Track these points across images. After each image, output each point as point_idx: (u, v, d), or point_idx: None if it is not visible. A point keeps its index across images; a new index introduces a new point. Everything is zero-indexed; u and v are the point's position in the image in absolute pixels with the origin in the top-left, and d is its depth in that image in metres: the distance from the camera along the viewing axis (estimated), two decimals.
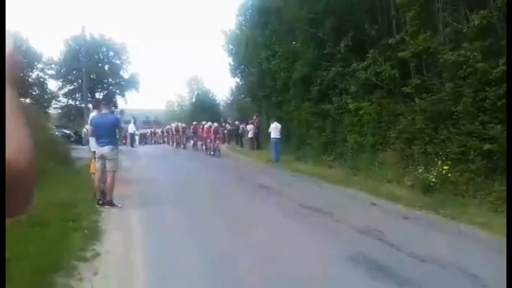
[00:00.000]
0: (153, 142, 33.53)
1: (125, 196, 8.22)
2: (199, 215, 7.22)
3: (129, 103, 44.43)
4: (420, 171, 9.66)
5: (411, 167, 10.42)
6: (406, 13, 11.97)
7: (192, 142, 24.25)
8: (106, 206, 7.43)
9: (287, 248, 5.36)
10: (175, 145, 26.39)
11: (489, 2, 9.28)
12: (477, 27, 9.46)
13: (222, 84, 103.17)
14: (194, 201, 8.56)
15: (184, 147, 25.22)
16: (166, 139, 31.09)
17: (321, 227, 6.54)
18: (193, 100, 51.85)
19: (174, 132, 25.79)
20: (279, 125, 16.54)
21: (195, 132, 23.86)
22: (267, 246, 5.47)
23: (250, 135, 22.16)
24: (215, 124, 20.93)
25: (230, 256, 5.04)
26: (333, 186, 10.16)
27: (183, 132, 26.18)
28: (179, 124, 27.46)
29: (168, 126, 30.96)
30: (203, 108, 44.01)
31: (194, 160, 17.80)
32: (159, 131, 34.70)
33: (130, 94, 45.32)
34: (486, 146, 8.66)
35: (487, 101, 9.10)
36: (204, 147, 21.19)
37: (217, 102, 49.44)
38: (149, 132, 35.63)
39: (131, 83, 44.89)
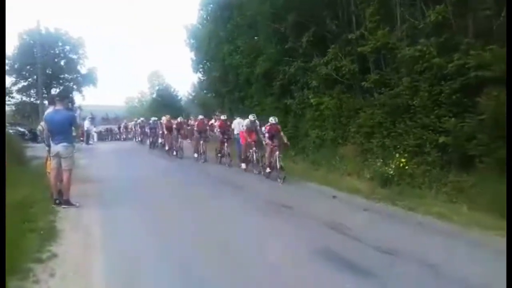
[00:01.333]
0: (114, 139, 32.42)
1: (83, 195, 7.88)
2: (158, 213, 7.02)
3: (87, 99, 42.87)
4: (379, 164, 9.85)
5: (370, 160, 10.60)
6: (366, 9, 12.16)
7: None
8: (64, 206, 7.10)
9: (252, 242, 5.30)
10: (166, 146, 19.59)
11: None
12: (433, 22, 9.72)
13: (184, 80, 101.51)
14: (153, 198, 8.33)
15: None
16: (130, 136, 29.85)
17: (284, 220, 6.51)
18: (154, 95, 50.84)
19: (166, 132, 19.00)
20: (242, 121, 16.34)
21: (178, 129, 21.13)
22: (234, 240, 5.42)
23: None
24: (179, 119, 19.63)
25: (192, 252, 4.93)
26: (295, 180, 10.17)
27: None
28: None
29: (136, 121, 28.92)
30: (165, 103, 43.18)
31: (159, 158, 17.29)
32: (121, 126, 33.12)
33: (88, 90, 43.74)
34: (442, 139, 8.92)
35: (442, 95, 9.37)
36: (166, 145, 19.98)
37: (179, 97, 48.68)
38: (107, 129, 34.50)
39: (88, 79, 43.31)
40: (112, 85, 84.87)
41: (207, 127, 16.10)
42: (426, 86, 9.78)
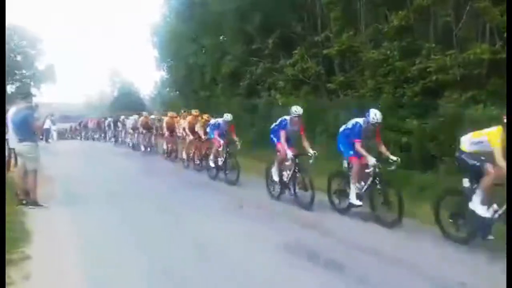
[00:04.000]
0: (76, 137, 31.36)
1: (51, 195, 7.67)
2: (128, 212, 6.95)
3: (46, 96, 41.27)
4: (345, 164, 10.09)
5: (337, 161, 10.85)
6: (331, 12, 12.48)
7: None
8: (31, 206, 6.87)
9: (228, 242, 5.36)
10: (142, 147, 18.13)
11: (406, 4, 9.94)
12: (396, 27, 10.12)
13: (146, 78, 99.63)
14: (119, 196, 8.23)
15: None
16: (97, 136, 28.54)
17: (258, 220, 6.60)
18: (115, 93, 49.71)
19: (144, 131, 17.54)
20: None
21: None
22: (205, 236, 5.49)
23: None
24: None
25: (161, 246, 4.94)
26: (262, 180, 10.20)
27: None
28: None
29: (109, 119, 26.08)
30: (126, 101, 42.26)
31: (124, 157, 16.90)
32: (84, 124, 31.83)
33: (46, 87, 42.24)
34: (405, 139, 9.30)
35: (405, 97, 9.79)
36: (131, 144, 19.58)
37: (141, 96, 47.78)
38: (70, 127, 33.37)
39: (46, 75, 41.77)
40: (71, 83, 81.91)
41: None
42: (390, 89, 10.18)
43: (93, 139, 28.08)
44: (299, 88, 13.59)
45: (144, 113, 19.34)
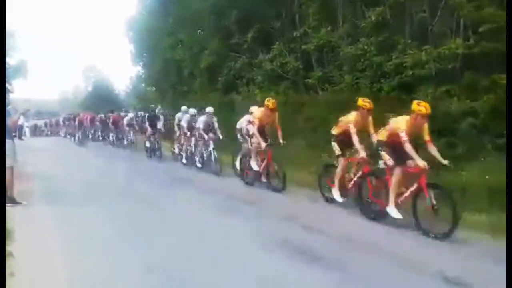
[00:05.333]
0: (49, 134, 30.55)
1: (28, 193, 7.48)
2: (105, 210, 6.83)
3: (18, 92, 39.97)
4: (324, 158, 10.21)
5: (316, 154, 10.96)
6: (309, 8, 12.56)
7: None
8: (8, 204, 6.67)
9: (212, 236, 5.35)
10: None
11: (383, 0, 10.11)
12: (373, 23, 10.27)
13: (122, 73, 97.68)
14: (98, 195, 8.06)
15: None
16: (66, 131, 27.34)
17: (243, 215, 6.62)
18: (89, 89, 48.74)
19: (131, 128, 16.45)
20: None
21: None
22: (189, 232, 5.42)
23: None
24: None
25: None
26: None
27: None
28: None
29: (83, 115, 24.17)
30: (101, 97, 41.46)
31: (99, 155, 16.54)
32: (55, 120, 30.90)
33: (18, 83, 40.85)
34: None
35: (382, 92, 9.95)
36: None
37: (116, 91, 46.96)
38: (44, 123, 32.56)
39: (18, 71, 40.46)
40: (45, 79, 79.59)
41: None
42: (367, 83, 10.33)
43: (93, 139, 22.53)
44: (278, 83, 13.62)
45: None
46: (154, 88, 27.34)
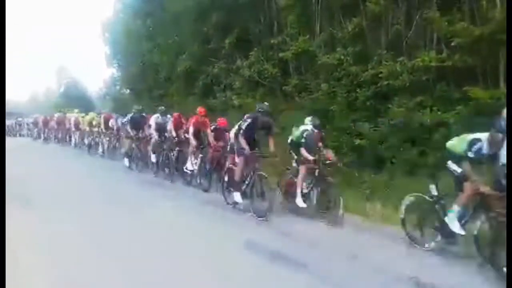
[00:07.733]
0: (17, 135, 29.65)
1: None
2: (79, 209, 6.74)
3: None
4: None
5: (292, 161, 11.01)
6: (287, 16, 12.68)
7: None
8: None
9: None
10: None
11: (360, 11, 10.30)
12: (350, 33, 10.46)
13: (95, 75, 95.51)
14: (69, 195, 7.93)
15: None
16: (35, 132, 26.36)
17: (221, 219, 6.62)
18: (61, 90, 47.62)
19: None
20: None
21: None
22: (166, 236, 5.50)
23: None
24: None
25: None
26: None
27: None
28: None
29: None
30: (73, 98, 40.52)
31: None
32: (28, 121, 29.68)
33: None
34: (357, 142, 9.61)
35: (357, 101, 10.12)
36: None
37: (89, 93, 46.01)
38: (14, 123, 31.52)
39: None
40: (15, 80, 76.97)
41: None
42: (343, 92, 10.48)
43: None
44: (255, 89, 13.66)
45: None
46: (129, 90, 26.89)
